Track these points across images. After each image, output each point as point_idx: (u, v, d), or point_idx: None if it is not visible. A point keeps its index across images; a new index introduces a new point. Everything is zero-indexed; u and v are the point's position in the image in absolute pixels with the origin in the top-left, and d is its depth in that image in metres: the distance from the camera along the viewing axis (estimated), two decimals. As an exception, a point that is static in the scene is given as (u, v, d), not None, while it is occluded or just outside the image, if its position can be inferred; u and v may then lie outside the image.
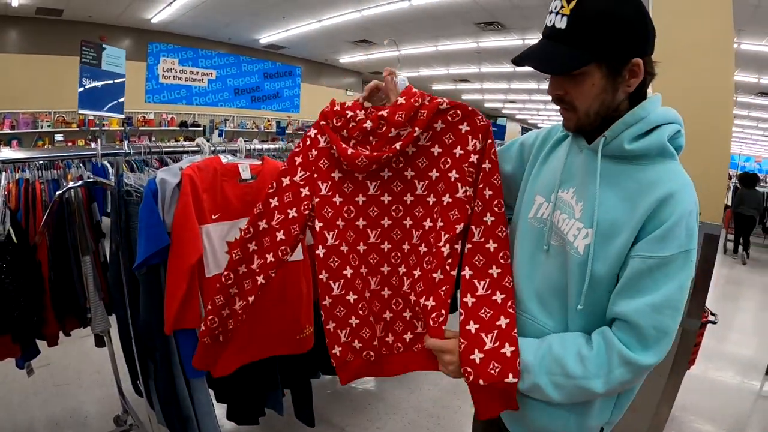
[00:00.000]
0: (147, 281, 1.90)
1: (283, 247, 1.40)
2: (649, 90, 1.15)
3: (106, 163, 3.79)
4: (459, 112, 1.33)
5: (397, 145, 1.32)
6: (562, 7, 1.01)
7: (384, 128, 1.34)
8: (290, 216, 1.39)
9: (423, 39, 12.09)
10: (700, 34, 2.27)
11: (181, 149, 2.38)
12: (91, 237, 2.38)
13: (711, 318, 2.71)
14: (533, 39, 10.74)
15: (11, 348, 2.19)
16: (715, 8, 2.24)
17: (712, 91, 2.25)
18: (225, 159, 2.02)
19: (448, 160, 1.35)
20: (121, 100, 5.20)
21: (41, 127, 9.79)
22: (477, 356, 1.17)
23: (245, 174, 2.03)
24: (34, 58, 9.77)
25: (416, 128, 1.32)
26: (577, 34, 1.00)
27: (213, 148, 2.32)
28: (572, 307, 1.13)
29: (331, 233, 1.37)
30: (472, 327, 1.22)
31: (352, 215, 1.41)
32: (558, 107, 1.14)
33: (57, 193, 2.23)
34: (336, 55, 15.23)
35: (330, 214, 1.38)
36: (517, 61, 1.11)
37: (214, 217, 1.93)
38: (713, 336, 3.61)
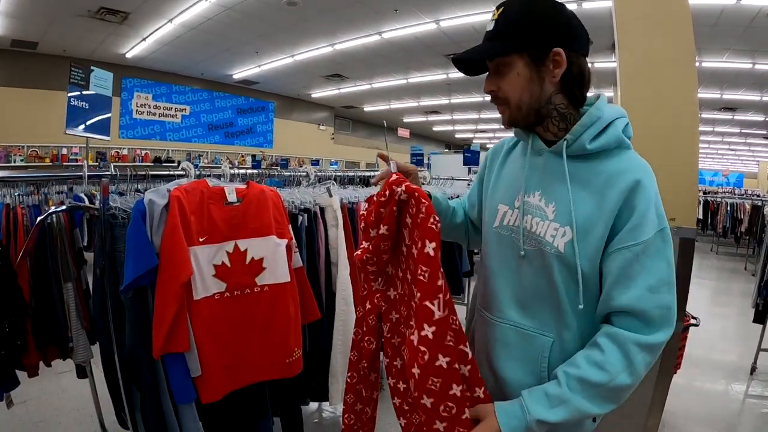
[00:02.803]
0: (134, 305, 1.86)
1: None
2: (590, 93, 1.24)
3: (82, 194, 3.77)
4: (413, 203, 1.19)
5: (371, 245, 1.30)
6: (492, 17, 1.16)
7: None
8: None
9: (394, 72, 12.33)
10: (663, 52, 2.37)
11: (168, 173, 2.38)
12: (73, 263, 2.34)
13: (693, 321, 2.77)
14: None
15: (-9, 378, 2.14)
16: (676, 27, 2.35)
17: (677, 103, 2.35)
18: (211, 183, 2.04)
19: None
20: (108, 117, 5.17)
21: (14, 162, 9.68)
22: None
23: (231, 197, 2.02)
24: (7, 90, 9.74)
25: (383, 226, 1.25)
26: (502, 31, 1.14)
27: (198, 172, 2.33)
28: (569, 309, 1.15)
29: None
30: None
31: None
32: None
33: (39, 218, 2.21)
34: (308, 90, 15.41)
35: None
36: (459, 65, 1.26)
37: (201, 239, 1.92)
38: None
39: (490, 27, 1.16)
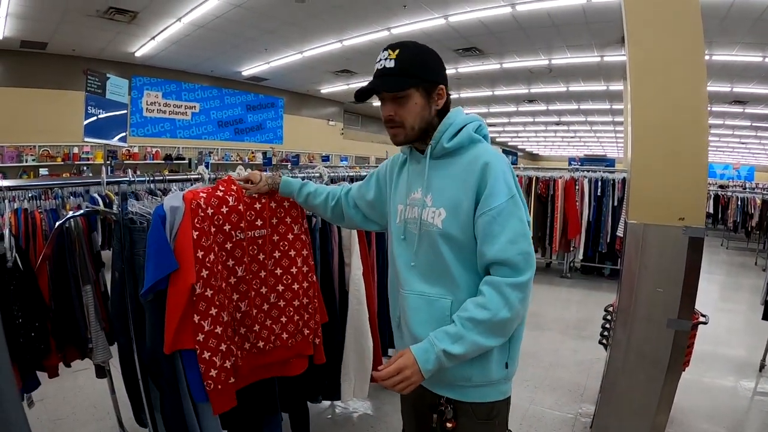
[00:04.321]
0: (153, 307, 1.91)
1: None
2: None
3: (97, 195, 3.82)
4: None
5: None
6: (388, 56, 1.46)
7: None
8: None
9: (403, 67, 12.25)
10: (672, 48, 2.37)
11: (185, 177, 2.45)
12: (91, 266, 2.39)
13: (702, 319, 2.78)
14: (510, 63, 11.17)
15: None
16: (686, 22, 2.34)
17: (686, 101, 2.34)
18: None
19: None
20: (124, 126, 5.24)
21: (26, 161, 9.76)
22: None
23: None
24: (18, 91, 9.78)
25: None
26: (402, 69, 1.44)
27: (213, 176, 2.37)
28: (457, 274, 1.47)
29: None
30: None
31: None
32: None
33: (57, 222, 2.25)
34: (317, 86, 15.42)
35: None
36: (359, 95, 1.52)
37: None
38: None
39: (390, 64, 1.45)
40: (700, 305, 2.59)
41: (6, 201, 2.27)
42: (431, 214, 1.49)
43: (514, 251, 1.37)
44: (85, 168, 10.34)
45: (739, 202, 11.64)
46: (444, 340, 1.36)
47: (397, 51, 1.45)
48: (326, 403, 3.33)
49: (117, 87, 5.18)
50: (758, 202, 10.88)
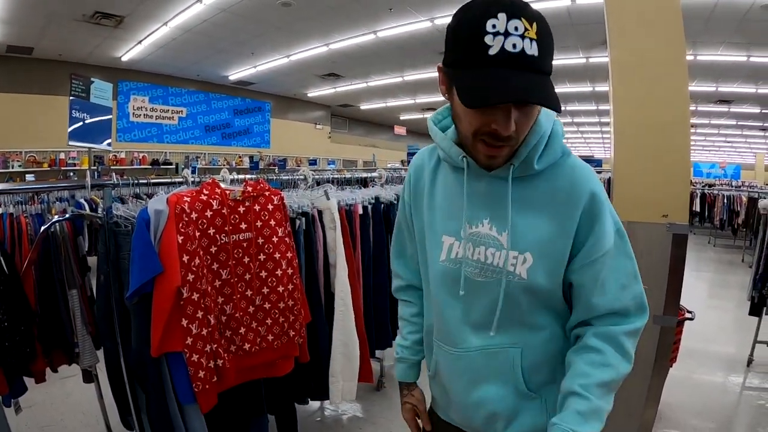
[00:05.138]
0: (139, 310, 1.91)
1: None
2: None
3: (83, 200, 3.81)
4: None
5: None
6: (526, 30, 0.89)
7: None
8: None
9: (390, 70, 12.37)
10: (654, 49, 2.40)
11: (169, 181, 2.45)
12: (77, 271, 2.38)
13: (688, 315, 2.81)
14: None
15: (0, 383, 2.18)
16: (667, 23, 2.39)
17: (669, 100, 2.38)
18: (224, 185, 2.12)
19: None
20: (108, 130, 5.23)
21: (12, 167, 9.70)
22: None
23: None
24: (4, 96, 9.76)
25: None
26: (545, 59, 0.93)
27: (197, 179, 2.38)
28: (534, 320, 1.14)
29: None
30: None
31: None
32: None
33: (43, 227, 2.24)
34: (304, 89, 15.43)
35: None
36: (522, 98, 0.92)
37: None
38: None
39: (531, 48, 0.90)
40: (688, 302, 2.62)
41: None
42: (512, 260, 1.09)
43: (628, 297, 1.10)
44: (71, 173, 10.27)
45: (725, 200, 11.75)
46: (579, 425, 1.03)
47: (535, 25, 0.90)
48: (315, 405, 3.33)
49: (101, 91, 5.16)
50: (744, 199, 11.00)
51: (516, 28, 0.88)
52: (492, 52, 0.89)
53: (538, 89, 0.92)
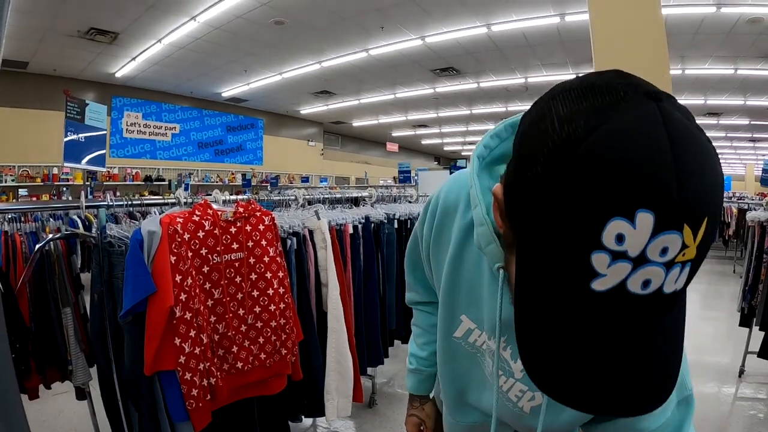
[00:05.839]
0: (132, 329, 1.93)
1: None
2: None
3: (76, 218, 3.82)
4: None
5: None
6: (684, 249, 0.49)
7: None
8: None
9: (381, 87, 12.47)
10: (638, 66, 2.45)
11: (162, 201, 2.49)
12: (71, 289, 2.40)
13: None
14: (487, 82, 11.28)
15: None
16: (651, 41, 2.44)
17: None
18: (216, 206, 2.14)
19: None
20: (102, 152, 5.26)
21: (5, 182, 9.69)
22: None
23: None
24: (-3, 111, 9.74)
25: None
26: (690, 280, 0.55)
27: (190, 200, 2.41)
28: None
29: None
30: None
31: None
32: None
33: (37, 245, 2.27)
34: (297, 107, 15.52)
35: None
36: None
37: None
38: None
39: (678, 281, 0.52)
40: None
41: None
42: (517, 392, 0.91)
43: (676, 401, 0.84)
44: (64, 189, 10.27)
45: (715, 212, 11.79)
46: None
47: (703, 229, 0.49)
48: (308, 422, 3.33)
49: (96, 113, 5.21)
50: (734, 211, 11.08)
51: (665, 251, 0.48)
52: (598, 288, 0.51)
53: (654, 376, 0.56)
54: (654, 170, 0.46)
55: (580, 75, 0.58)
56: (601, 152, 0.48)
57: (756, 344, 4.04)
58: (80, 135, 4.99)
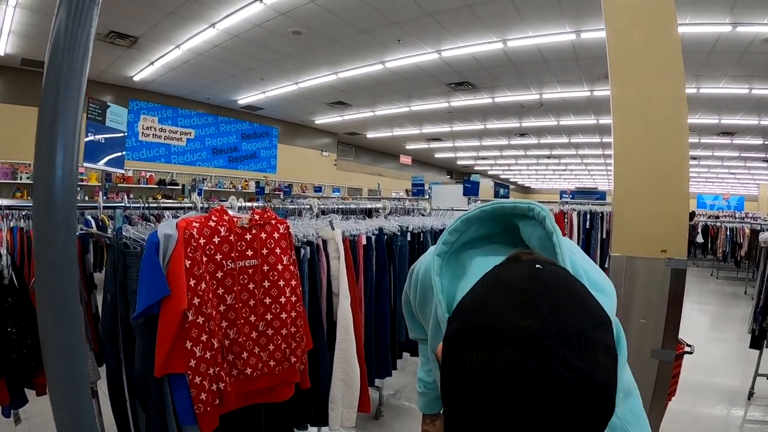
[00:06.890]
0: (144, 331, 1.94)
1: None
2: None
3: (90, 218, 3.86)
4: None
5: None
6: None
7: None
8: None
9: (396, 100, 12.50)
10: (655, 86, 2.46)
11: (178, 205, 2.51)
12: (84, 288, 2.42)
13: (687, 349, 2.81)
14: (502, 97, 11.30)
15: (2, 394, 2.21)
16: (668, 61, 2.44)
17: (668, 137, 2.43)
18: (231, 212, 2.16)
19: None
20: (121, 153, 5.30)
21: (20, 179, 9.77)
22: None
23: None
24: (17, 108, 9.83)
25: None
26: None
27: (204, 206, 2.43)
28: None
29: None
30: None
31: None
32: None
33: (53, 245, 2.28)
34: (312, 116, 15.57)
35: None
36: None
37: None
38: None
39: None
40: (689, 335, 2.63)
41: (3, 219, 2.31)
42: None
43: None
44: (79, 188, 10.29)
45: (728, 232, 11.76)
46: None
47: None
48: (313, 431, 3.32)
49: (116, 115, 5.25)
50: (747, 231, 11.00)
51: None
52: None
53: None
54: None
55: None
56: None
57: (766, 367, 4.00)
58: (100, 136, 5.03)
